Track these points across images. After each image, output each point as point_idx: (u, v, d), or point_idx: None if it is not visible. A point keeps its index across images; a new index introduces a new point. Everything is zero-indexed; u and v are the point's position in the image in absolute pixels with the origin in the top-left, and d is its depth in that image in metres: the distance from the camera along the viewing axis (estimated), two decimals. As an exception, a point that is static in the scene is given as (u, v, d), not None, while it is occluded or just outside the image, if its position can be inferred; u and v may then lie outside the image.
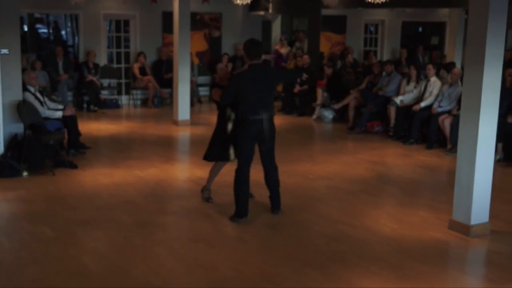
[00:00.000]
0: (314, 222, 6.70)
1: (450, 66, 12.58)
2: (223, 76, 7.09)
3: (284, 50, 16.59)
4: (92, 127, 12.18)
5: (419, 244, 6.07)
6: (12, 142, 8.69)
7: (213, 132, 7.10)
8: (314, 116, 13.75)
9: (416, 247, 6.00)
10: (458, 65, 13.54)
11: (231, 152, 6.95)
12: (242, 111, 6.56)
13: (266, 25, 17.20)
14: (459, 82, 10.60)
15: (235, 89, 6.56)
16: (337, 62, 16.51)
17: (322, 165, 9.39)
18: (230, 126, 6.83)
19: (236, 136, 6.72)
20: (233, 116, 6.78)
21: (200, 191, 7.48)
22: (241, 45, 16.14)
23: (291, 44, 17.03)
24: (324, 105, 13.74)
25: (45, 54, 16.27)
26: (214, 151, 7.07)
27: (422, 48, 18.01)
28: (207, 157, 7.18)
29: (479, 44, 6.01)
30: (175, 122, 12.70)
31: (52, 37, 19.96)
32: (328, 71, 14.08)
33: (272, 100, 6.88)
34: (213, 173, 7.34)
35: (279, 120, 13.58)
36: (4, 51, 8.67)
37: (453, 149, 9.88)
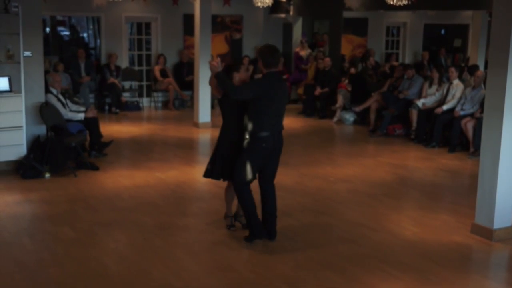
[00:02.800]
0: (334, 225, 6.69)
1: (473, 69, 12.50)
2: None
3: (304, 53, 16.58)
4: (113, 129, 12.26)
5: (441, 248, 6.03)
6: (35, 143, 8.78)
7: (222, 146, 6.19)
8: (335, 119, 13.70)
9: (438, 251, 5.96)
10: (481, 68, 13.43)
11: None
12: (259, 124, 5.85)
13: (287, 28, 17.20)
14: (482, 85, 10.51)
15: (260, 91, 5.83)
16: (358, 65, 16.47)
17: (343, 168, 9.36)
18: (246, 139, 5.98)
19: (244, 151, 5.94)
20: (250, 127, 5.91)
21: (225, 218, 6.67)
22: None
23: (312, 46, 17.00)
24: (345, 108, 13.69)
25: (67, 57, 16.41)
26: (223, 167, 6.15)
27: (445, 50, 17.89)
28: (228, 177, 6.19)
29: (503, 46, 5.96)
30: (196, 124, 12.75)
31: (74, 40, 20.13)
32: (352, 70, 14.09)
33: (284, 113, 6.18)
34: (229, 197, 6.45)
35: (299, 123, 13.59)
36: (27, 53, 8.77)
37: (476, 152, 9.80)
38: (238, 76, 6.12)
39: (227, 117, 6.17)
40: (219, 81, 5.90)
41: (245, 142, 5.94)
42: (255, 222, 6.07)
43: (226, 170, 6.11)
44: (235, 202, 6.41)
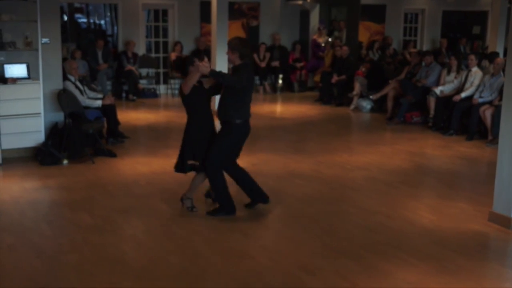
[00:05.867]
0: (351, 213, 6.68)
1: (493, 56, 12.38)
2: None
3: (322, 40, 16.51)
4: (130, 116, 12.31)
5: (458, 236, 6.00)
6: (53, 130, 8.84)
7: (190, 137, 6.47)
8: (352, 107, 13.65)
9: (455, 239, 5.93)
10: (501, 55, 13.29)
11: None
12: (240, 111, 6.31)
13: (304, 15, 17.12)
14: (501, 73, 10.41)
15: (247, 80, 6.29)
16: (376, 52, 16.38)
17: (360, 156, 9.33)
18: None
19: (222, 137, 6.35)
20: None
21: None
22: (278, 34, 16.46)
23: (330, 34, 16.92)
24: (362, 95, 13.63)
25: (84, 44, 16.47)
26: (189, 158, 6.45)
27: (466, 40, 17.71)
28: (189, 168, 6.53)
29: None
30: (213, 112, 12.75)
31: (91, 27, 20.18)
32: (366, 65, 14.02)
33: None
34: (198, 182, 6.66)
35: (316, 110, 13.56)
36: (45, 40, 8.82)
37: (494, 140, 9.72)
38: (192, 69, 6.35)
39: (198, 111, 6.43)
40: (217, 76, 6.23)
41: (224, 129, 6.37)
42: (229, 201, 6.49)
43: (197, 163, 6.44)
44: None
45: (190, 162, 6.45)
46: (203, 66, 6.13)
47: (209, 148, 6.35)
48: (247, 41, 6.56)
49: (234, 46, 6.34)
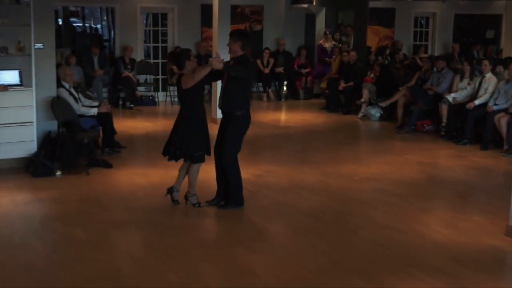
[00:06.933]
0: (360, 227, 6.63)
1: (507, 62, 12.32)
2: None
3: (328, 45, 16.50)
4: (128, 124, 12.30)
5: (473, 252, 5.94)
6: (46, 140, 8.81)
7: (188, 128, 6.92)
8: (360, 115, 13.62)
9: (470, 254, 5.87)
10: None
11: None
12: (245, 102, 6.87)
13: (310, 18, 17.12)
14: (517, 79, 10.38)
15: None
16: (385, 58, 16.36)
17: (368, 167, 9.29)
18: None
19: (234, 128, 6.84)
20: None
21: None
22: (283, 39, 16.45)
23: (339, 38, 16.90)
24: (370, 103, 13.60)
25: (80, 49, 16.50)
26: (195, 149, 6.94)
27: (480, 45, 17.69)
28: (197, 158, 6.99)
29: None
30: (214, 120, 12.70)
31: (87, 31, 20.24)
32: (376, 68, 13.99)
33: None
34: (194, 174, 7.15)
35: (322, 118, 13.54)
36: (38, 45, 8.80)
37: (510, 150, 9.68)
38: (190, 64, 6.84)
39: (193, 104, 6.85)
40: (231, 70, 6.64)
41: (230, 121, 6.81)
42: (241, 192, 7.00)
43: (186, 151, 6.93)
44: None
45: (197, 153, 6.90)
46: (216, 61, 6.49)
47: (223, 145, 6.83)
48: (248, 32, 7.04)
49: (236, 36, 6.84)
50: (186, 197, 7.13)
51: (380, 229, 6.56)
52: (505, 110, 10.38)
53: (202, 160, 6.99)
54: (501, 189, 8.13)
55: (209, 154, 7.04)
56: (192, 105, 6.87)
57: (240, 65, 6.74)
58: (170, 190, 7.18)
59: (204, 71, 6.60)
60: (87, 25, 20.59)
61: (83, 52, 15.20)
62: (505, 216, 6.49)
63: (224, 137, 6.86)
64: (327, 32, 16.68)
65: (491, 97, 10.76)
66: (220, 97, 6.94)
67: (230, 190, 7.01)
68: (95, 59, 14.46)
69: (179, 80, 6.84)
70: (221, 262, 5.64)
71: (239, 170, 6.97)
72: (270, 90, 16.21)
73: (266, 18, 16.76)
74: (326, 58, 16.36)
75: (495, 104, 10.55)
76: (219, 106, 7.02)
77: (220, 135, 6.99)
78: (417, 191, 8.05)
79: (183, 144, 6.87)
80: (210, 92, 14.14)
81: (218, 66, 6.49)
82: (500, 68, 12.90)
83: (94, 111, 9.54)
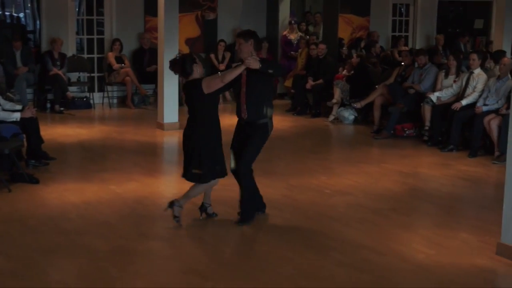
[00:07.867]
0: (331, 248, 6.69)
1: (498, 55, 12.57)
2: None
3: (294, 36, 16.59)
4: (57, 132, 12.20)
5: (460, 274, 6.05)
6: (-41, 151, 8.71)
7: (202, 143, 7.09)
8: (331, 117, 13.73)
9: (458, 277, 5.98)
10: (508, 54, 13.51)
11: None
12: (272, 109, 7.27)
13: (272, 6, 17.19)
14: (509, 75, 10.59)
15: None
16: (358, 50, 16.52)
17: (341, 178, 9.38)
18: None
19: (260, 137, 7.21)
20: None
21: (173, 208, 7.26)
22: (240, 30, 16.42)
23: (306, 29, 16.98)
24: (343, 104, 13.73)
25: (-2, 42, 16.32)
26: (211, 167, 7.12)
27: (465, 35, 17.99)
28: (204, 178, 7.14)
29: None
30: (160, 126, 12.72)
31: (7, 21, 20.00)
32: (354, 58, 14.12)
33: None
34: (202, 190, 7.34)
35: (287, 122, 13.61)
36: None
37: (502, 156, 9.85)
38: (198, 68, 7.03)
39: (208, 115, 7.05)
40: (271, 67, 6.97)
41: (257, 130, 7.16)
42: (253, 205, 7.39)
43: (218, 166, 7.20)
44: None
45: (195, 171, 6.99)
46: (253, 60, 6.73)
47: (243, 152, 7.19)
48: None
49: (246, 34, 7.12)
50: (172, 204, 7.15)
51: (355, 250, 6.63)
52: (496, 111, 10.53)
53: (198, 180, 7.10)
54: (492, 201, 8.30)
55: (224, 174, 7.31)
56: (210, 112, 7.08)
57: (269, 62, 7.20)
58: (203, 208, 7.42)
59: (236, 72, 6.86)
60: (7, 13, 20.36)
61: (2, 46, 15.02)
62: (496, 233, 6.63)
63: (247, 143, 7.18)
64: (292, 22, 16.78)
65: (480, 96, 10.94)
66: (243, 104, 7.11)
67: (241, 204, 7.31)
68: (17, 54, 14.31)
69: (189, 86, 7.02)
70: (169, 292, 5.65)
71: (254, 181, 7.39)
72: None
73: (221, 5, 16.80)
74: (292, 52, 16.46)
75: (485, 105, 10.73)
76: (241, 115, 7.22)
77: (240, 144, 7.30)
78: (397, 205, 8.16)
79: (195, 155, 7.06)
80: (155, 93, 14.12)
81: (256, 65, 6.72)
82: (490, 63, 13.13)
83: (17, 116, 9.45)
